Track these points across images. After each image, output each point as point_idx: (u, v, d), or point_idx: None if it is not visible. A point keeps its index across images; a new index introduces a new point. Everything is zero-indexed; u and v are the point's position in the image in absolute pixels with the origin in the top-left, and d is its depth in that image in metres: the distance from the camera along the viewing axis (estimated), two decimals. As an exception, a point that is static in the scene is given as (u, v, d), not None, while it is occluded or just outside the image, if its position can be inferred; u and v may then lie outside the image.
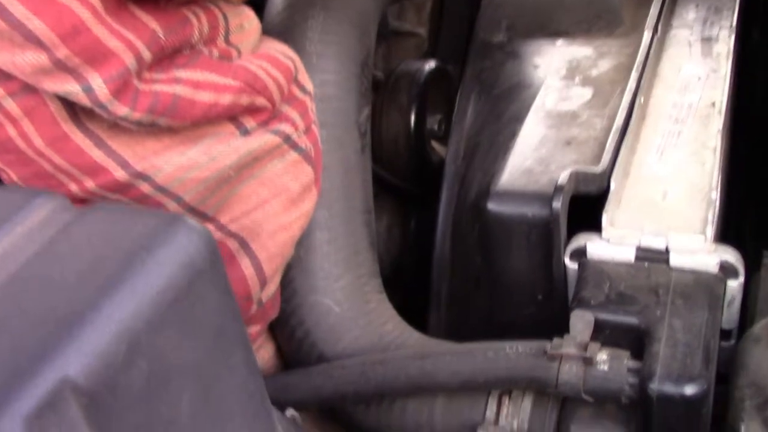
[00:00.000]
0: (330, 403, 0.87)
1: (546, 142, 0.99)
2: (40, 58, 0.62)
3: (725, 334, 0.84)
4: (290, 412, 0.81)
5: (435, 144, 1.32)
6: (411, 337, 0.92)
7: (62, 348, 0.41)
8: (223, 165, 0.74)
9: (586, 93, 1.06)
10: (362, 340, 0.91)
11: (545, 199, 0.87)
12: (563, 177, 0.87)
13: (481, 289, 1.01)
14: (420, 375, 0.82)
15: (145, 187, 0.70)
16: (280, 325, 0.92)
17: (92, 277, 0.45)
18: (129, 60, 0.65)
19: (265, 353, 0.93)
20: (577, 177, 0.89)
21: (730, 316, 0.83)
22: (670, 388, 0.71)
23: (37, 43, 0.62)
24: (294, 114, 0.82)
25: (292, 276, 0.91)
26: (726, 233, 0.88)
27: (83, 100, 0.64)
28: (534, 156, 0.97)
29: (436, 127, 1.31)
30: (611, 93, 1.05)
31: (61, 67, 0.63)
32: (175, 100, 0.69)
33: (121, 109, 0.66)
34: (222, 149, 0.74)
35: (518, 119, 1.04)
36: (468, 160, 1.06)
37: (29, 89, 0.66)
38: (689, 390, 0.71)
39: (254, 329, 0.87)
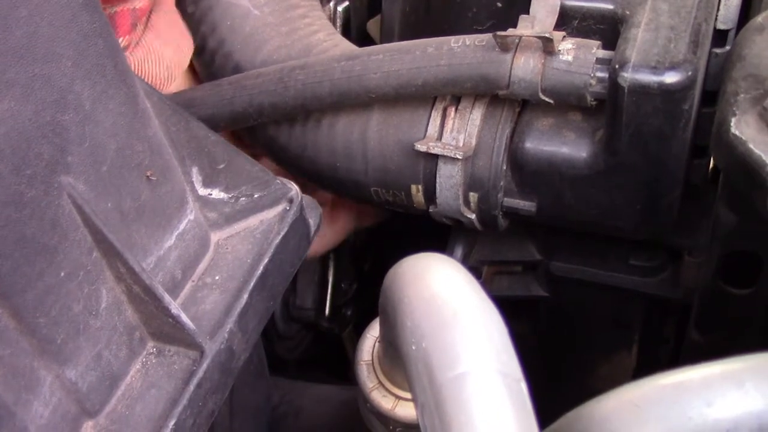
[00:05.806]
0: (244, 120, 0.73)
1: None
2: None
3: (720, 36, 0.69)
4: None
5: None
6: (347, 50, 0.77)
7: None
8: None
9: None
10: (286, 50, 0.75)
11: None
12: None
13: (432, 12, 0.85)
14: (347, 79, 0.68)
15: None
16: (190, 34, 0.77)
17: None
18: None
19: None
20: None
21: (727, 12, 0.68)
22: (645, 77, 0.57)
23: None
24: None
25: (200, -30, 0.75)
26: None
27: None
28: None
29: None
30: None
31: None
32: None
33: None
34: None
35: None
36: None
37: None
38: (670, 78, 0.57)
39: None
